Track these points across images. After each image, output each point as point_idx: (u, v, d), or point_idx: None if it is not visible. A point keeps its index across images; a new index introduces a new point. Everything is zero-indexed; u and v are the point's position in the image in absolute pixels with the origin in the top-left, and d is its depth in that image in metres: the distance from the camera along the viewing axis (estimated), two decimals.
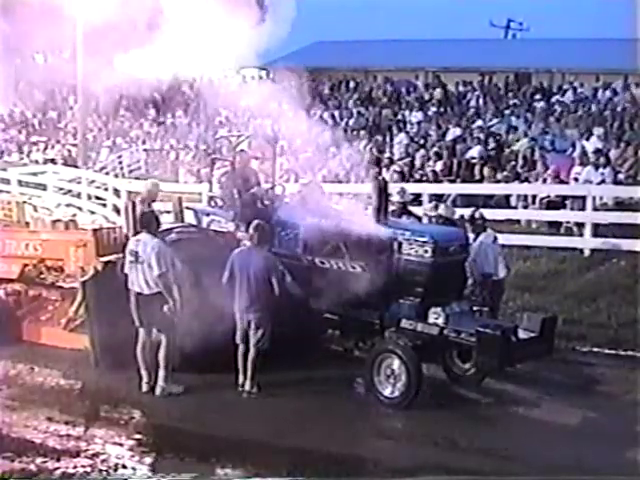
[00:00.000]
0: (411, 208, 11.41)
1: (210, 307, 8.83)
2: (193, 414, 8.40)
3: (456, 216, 10.89)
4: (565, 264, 13.53)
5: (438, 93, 28.98)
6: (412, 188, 17.13)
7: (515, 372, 8.85)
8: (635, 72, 24.15)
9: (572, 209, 14.93)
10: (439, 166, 18.82)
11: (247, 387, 8.83)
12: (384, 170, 17.69)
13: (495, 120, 23.59)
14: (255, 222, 9.02)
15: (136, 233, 9.34)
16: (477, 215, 10.18)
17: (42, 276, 11.32)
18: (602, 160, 16.17)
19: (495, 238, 10.15)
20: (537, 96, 26.62)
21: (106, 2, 10.69)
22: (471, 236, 9.87)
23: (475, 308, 9.10)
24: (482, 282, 9.64)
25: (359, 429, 8.05)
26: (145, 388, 8.93)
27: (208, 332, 8.80)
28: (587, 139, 19.41)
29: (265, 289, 8.72)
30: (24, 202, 18.86)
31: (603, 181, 15.59)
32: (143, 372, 8.94)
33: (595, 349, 10.41)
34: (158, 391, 8.85)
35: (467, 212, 10.50)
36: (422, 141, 22.31)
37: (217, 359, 8.65)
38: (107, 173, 25.69)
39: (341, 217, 9.38)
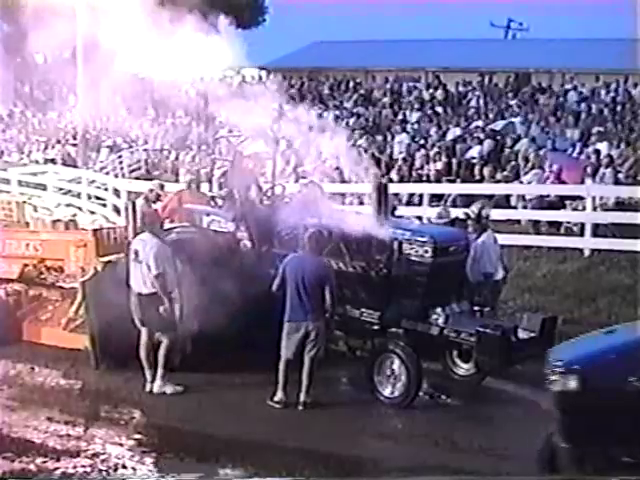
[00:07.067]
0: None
1: (211, 307, 8.83)
2: (193, 414, 8.39)
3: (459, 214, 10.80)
4: (565, 264, 13.52)
5: (438, 93, 28.98)
6: (412, 188, 17.23)
7: (515, 372, 8.85)
8: (635, 72, 24.17)
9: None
10: (439, 166, 18.81)
11: (302, 398, 8.42)
12: (384, 170, 17.70)
13: (500, 122, 23.56)
14: (310, 231, 8.70)
15: (137, 233, 9.35)
16: (483, 213, 10.05)
17: (42, 276, 11.31)
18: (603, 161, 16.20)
19: (495, 238, 10.12)
20: (538, 96, 26.64)
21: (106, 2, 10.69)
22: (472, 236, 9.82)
23: (476, 308, 9.09)
24: (482, 282, 9.61)
25: (359, 429, 8.04)
26: (148, 388, 8.92)
27: (211, 332, 8.80)
28: (593, 142, 19.38)
29: (320, 298, 8.39)
30: (24, 202, 18.90)
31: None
32: (147, 372, 8.93)
33: None
34: (156, 389, 8.84)
35: (472, 209, 10.27)
36: (422, 141, 22.31)
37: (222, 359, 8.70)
38: (107, 173, 25.66)
39: (341, 217, 9.37)
